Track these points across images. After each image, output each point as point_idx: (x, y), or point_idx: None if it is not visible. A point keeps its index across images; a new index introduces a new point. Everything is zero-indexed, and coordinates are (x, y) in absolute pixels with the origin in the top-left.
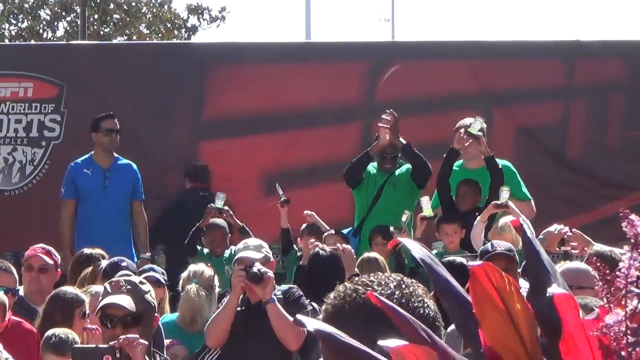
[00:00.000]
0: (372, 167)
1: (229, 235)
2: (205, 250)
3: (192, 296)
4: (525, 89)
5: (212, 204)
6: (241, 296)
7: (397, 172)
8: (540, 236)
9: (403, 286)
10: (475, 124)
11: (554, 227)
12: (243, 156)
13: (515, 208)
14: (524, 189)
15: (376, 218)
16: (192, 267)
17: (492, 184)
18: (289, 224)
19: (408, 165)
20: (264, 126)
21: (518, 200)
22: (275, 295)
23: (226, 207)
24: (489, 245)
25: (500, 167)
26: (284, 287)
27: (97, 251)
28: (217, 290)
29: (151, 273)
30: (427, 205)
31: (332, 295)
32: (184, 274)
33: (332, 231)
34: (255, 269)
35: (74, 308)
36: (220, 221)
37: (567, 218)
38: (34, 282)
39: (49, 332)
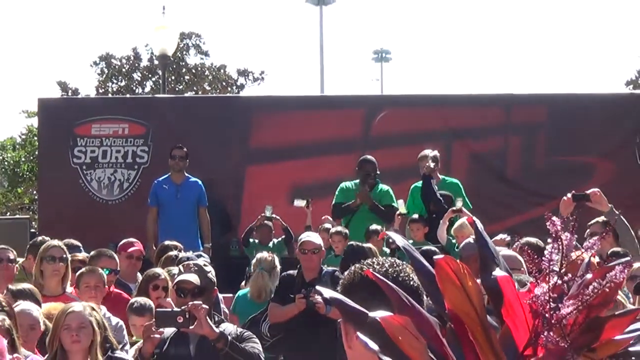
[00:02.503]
0: (352, 184)
1: (273, 232)
2: (257, 241)
3: (258, 278)
4: (476, 127)
5: (263, 213)
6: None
7: (375, 190)
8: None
9: (395, 265)
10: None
11: (499, 236)
12: (277, 176)
13: (467, 211)
14: (467, 201)
15: (357, 223)
16: (259, 255)
17: (421, 192)
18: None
19: (382, 186)
20: (291, 155)
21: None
22: (324, 277)
23: (274, 215)
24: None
25: (429, 185)
26: (330, 269)
27: (174, 243)
28: (278, 269)
29: (202, 259)
30: (401, 206)
31: (346, 272)
32: (254, 261)
33: (339, 228)
34: (311, 298)
35: (149, 282)
36: (268, 222)
37: (506, 219)
38: (132, 266)
39: (132, 300)
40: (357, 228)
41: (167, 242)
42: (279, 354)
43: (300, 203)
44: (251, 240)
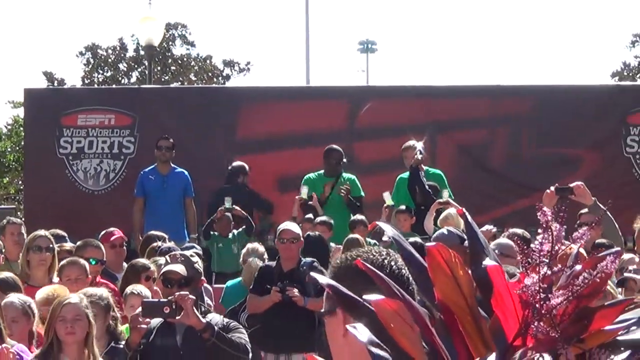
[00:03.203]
0: (316, 175)
1: (233, 223)
2: (216, 233)
3: (252, 266)
4: (462, 118)
5: (223, 206)
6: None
7: (341, 179)
8: None
9: (391, 255)
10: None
11: (485, 227)
12: (263, 166)
13: (454, 203)
14: (450, 192)
15: (328, 213)
16: (250, 245)
17: (409, 184)
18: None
19: (349, 176)
20: (276, 145)
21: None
22: (302, 267)
23: (234, 206)
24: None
25: (418, 176)
26: (308, 259)
27: (159, 234)
28: (266, 260)
29: (193, 250)
30: (388, 198)
31: (337, 260)
32: (244, 250)
33: (325, 218)
34: (288, 292)
35: (140, 274)
36: (227, 214)
37: (491, 210)
38: (117, 255)
39: (130, 287)
40: (331, 211)
41: (152, 233)
42: (257, 344)
43: (304, 192)
44: (211, 233)
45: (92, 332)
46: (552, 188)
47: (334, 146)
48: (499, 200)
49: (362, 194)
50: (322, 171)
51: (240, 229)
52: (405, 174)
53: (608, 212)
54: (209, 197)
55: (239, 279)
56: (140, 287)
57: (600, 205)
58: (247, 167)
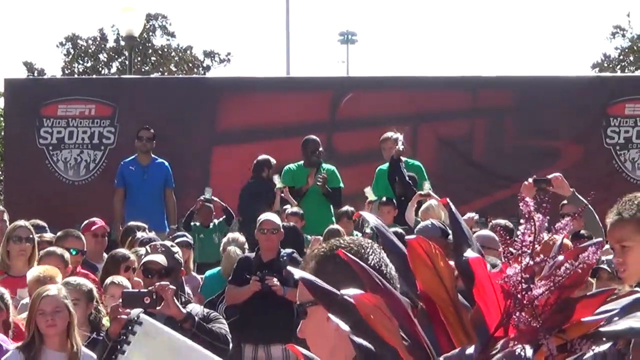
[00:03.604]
0: (295, 166)
1: (213, 213)
2: (197, 223)
3: (231, 255)
4: (443, 109)
5: (203, 196)
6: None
7: (320, 170)
8: None
9: (374, 247)
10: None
11: (467, 215)
12: (243, 157)
13: (435, 195)
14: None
15: (307, 206)
16: (230, 235)
17: (389, 175)
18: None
19: (328, 167)
20: (257, 136)
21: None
22: (282, 258)
23: (213, 197)
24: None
25: (398, 167)
26: (288, 250)
27: (139, 224)
28: (246, 250)
29: (183, 238)
30: (370, 194)
31: (323, 248)
32: (225, 239)
33: (296, 209)
34: (267, 281)
35: (119, 264)
36: (208, 204)
37: (472, 201)
38: (98, 245)
39: (110, 277)
40: (306, 211)
41: (132, 223)
42: (236, 335)
43: (278, 182)
44: (192, 223)
45: (74, 321)
46: (530, 180)
47: (311, 136)
48: (479, 191)
49: (341, 185)
50: (302, 162)
51: (221, 219)
52: (385, 166)
53: (588, 204)
54: (240, 194)
55: (218, 268)
56: (120, 277)
57: (579, 196)
58: (272, 160)
